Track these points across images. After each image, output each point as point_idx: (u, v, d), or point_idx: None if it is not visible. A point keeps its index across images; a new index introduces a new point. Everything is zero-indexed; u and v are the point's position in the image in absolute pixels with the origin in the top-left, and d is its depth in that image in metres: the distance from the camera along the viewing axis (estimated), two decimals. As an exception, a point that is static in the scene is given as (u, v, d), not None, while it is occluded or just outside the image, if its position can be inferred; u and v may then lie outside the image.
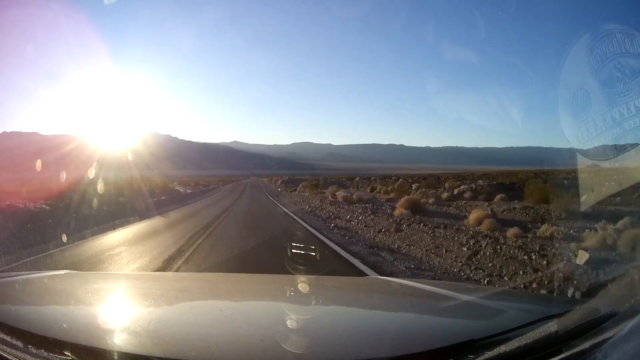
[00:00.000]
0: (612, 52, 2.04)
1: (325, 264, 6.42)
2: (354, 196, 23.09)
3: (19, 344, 1.18)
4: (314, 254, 6.17)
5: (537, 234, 8.84)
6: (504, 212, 13.51)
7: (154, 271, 6.48)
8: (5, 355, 1.11)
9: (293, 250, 6.04)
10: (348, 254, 7.85)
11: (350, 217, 14.49)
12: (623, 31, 2.03)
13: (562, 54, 2.35)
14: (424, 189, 27.68)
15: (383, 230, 10.91)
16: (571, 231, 8.56)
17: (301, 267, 4.86)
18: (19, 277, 2.17)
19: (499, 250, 7.27)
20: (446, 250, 7.85)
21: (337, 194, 25.72)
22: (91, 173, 18.01)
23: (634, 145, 1.99)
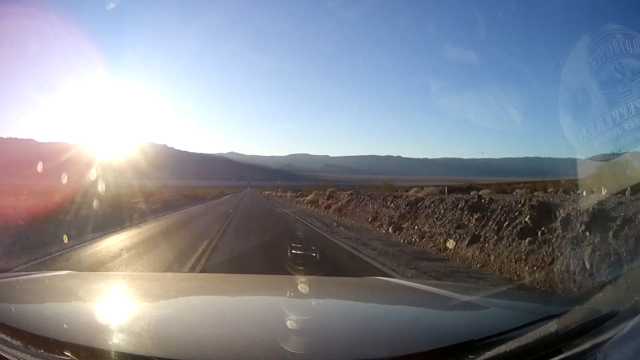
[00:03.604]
0: (612, 53, 2.04)
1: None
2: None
3: (19, 344, 1.18)
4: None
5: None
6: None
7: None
8: (6, 356, 1.11)
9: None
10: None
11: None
12: (623, 32, 2.04)
13: (562, 54, 2.36)
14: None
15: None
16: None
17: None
18: (20, 278, 2.17)
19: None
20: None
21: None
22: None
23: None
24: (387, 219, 14.45)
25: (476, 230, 9.20)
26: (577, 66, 2.29)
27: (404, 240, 11.38)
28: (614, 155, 2.07)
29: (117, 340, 1.25)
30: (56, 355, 1.12)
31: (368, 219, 16.16)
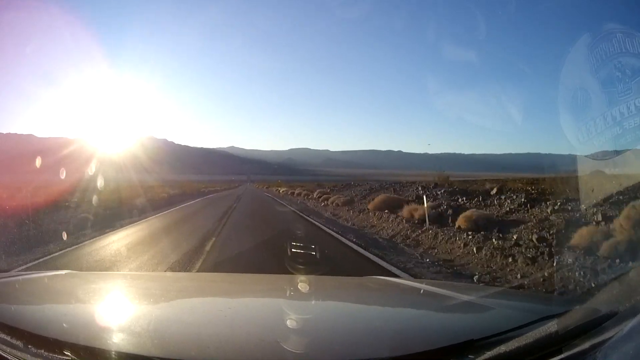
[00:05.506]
0: (612, 52, 2.04)
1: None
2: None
3: (19, 344, 1.18)
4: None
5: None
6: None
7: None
8: (5, 356, 1.11)
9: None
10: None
11: None
12: (623, 31, 2.03)
13: (562, 53, 2.35)
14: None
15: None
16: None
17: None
18: (20, 277, 2.17)
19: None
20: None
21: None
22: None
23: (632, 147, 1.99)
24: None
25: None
26: (578, 65, 2.29)
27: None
28: (615, 153, 2.07)
29: (117, 340, 1.25)
30: (56, 355, 1.12)
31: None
